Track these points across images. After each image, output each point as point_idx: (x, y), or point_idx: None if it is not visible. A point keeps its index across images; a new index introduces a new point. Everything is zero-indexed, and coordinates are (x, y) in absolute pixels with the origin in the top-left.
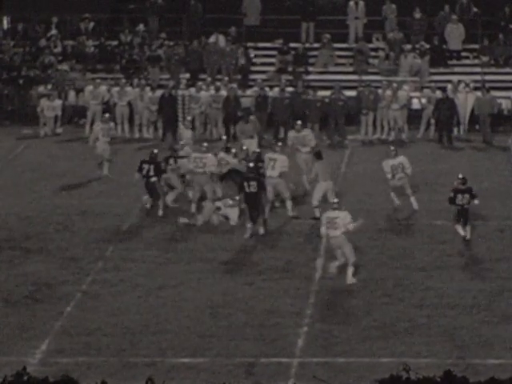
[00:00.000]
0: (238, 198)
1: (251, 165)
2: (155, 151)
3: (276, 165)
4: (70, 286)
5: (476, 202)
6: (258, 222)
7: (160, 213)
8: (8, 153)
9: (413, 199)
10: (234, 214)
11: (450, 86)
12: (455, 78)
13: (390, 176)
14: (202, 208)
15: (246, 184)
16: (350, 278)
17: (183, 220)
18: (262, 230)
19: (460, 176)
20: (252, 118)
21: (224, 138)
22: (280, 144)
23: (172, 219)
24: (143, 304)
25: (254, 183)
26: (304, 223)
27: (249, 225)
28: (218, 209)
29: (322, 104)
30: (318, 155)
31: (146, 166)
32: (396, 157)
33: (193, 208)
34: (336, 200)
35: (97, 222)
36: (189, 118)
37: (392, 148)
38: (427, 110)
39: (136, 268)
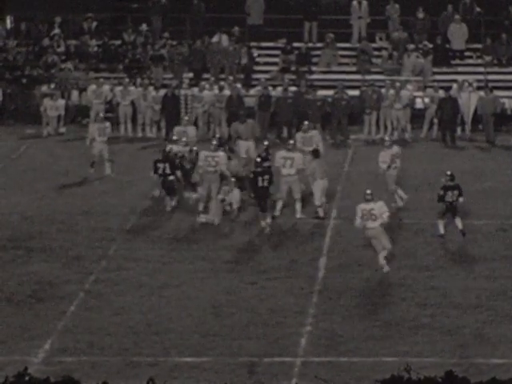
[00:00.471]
0: (232, 179)
1: (258, 159)
2: (167, 149)
3: (293, 163)
4: (73, 285)
5: (461, 199)
6: (265, 216)
7: (173, 204)
8: (11, 152)
9: (399, 191)
10: (236, 196)
11: (455, 86)
12: (458, 78)
13: (385, 166)
14: (208, 209)
15: (260, 178)
16: (386, 267)
17: (201, 219)
18: (267, 226)
19: (448, 173)
20: (250, 120)
21: (216, 136)
22: (292, 142)
23: (174, 219)
24: (146, 303)
25: (267, 177)
26: (307, 222)
27: (260, 213)
28: (223, 201)
29: (322, 103)
30: (315, 153)
31: (161, 166)
32: (392, 147)
33: (200, 207)
34: (369, 191)
35: (100, 221)
36: (186, 117)
37: (387, 139)
38: (430, 109)
39: (139, 267)
